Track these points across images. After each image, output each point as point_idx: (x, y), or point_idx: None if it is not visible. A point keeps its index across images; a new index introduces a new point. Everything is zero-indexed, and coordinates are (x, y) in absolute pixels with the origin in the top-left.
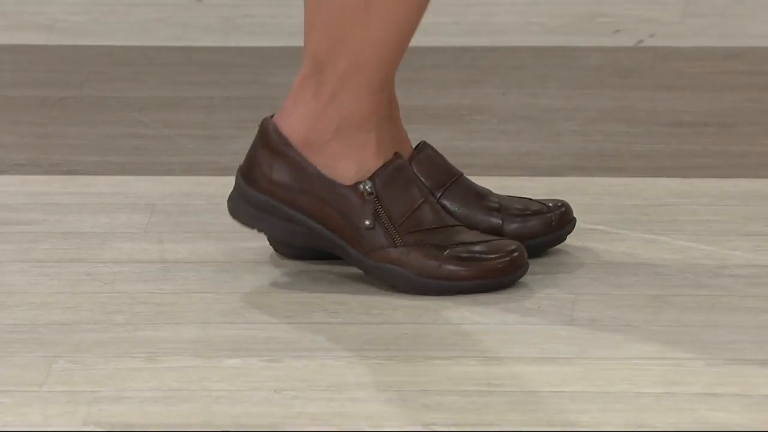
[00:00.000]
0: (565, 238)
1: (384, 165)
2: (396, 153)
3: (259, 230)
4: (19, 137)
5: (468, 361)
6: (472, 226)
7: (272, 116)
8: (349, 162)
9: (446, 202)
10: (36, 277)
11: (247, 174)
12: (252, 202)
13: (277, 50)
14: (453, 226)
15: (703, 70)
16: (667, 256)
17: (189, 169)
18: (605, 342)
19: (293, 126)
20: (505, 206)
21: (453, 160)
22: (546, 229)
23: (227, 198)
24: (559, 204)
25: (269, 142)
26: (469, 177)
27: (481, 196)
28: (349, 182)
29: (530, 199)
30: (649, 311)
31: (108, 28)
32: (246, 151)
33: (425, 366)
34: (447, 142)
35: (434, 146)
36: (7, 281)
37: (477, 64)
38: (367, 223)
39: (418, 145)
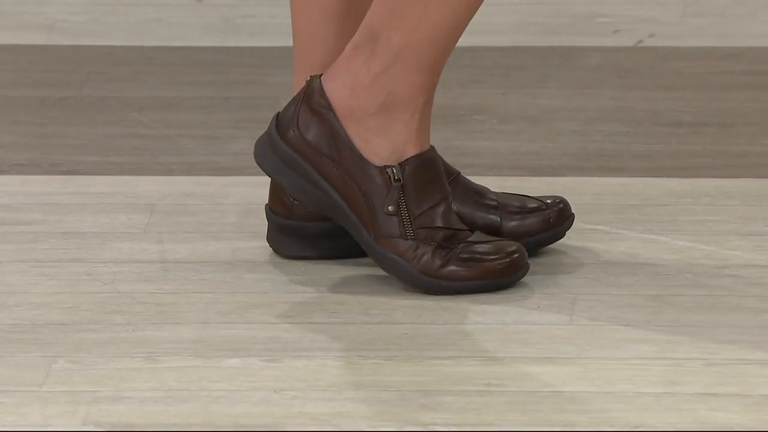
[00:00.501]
0: (564, 235)
1: (418, 154)
2: (432, 146)
3: (280, 182)
4: (19, 137)
5: (467, 361)
6: (470, 224)
7: (320, 75)
8: (386, 140)
9: None
10: (36, 277)
11: (283, 125)
12: (280, 154)
13: (277, 50)
14: (461, 230)
15: (702, 70)
16: (666, 256)
17: (189, 169)
18: (605, 342)
19: (339, 92)
20: (503, 204)
21: (453, 160)
22: (544, 226)
23: (255, 141)
24: (557, 200)
25: (311, 101)
26: (469, 177)
27: (479, 194)
28: (380, 162)
29: (528, 196)
30: (648, 311)
31: (108, 28)
32: (246, 152)
33: (425, 366)
34: (447, 142)
35: (434, 146)
36: (7, 281)
37: (477, 64)
38: (390, 209)
39: None
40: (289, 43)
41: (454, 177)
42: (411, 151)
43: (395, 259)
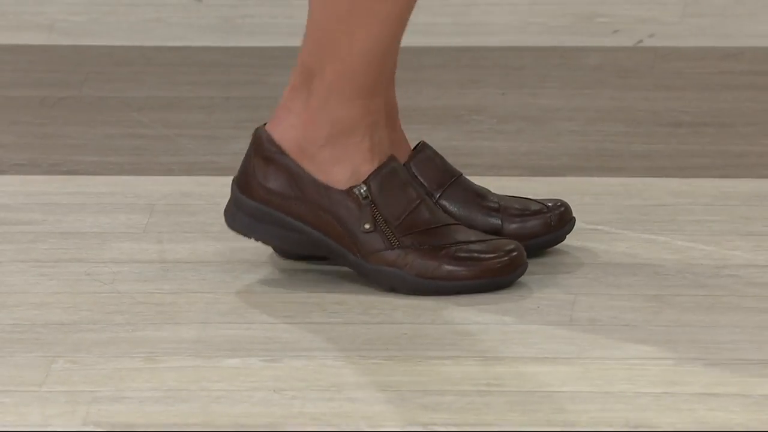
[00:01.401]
0: (564, 238)
1: (377, 168)
2: (390, 156)
3: (257, 239)
4: (19, 137)
5: (467, 361)
6: (471, 226)
7: (265, 125)
8: (342, 167)
9: (445, 203)
10: (35, 277)
11: (242, 183)
12: (248, 210)
13: (276, 50)
14: (450, 224)
15: (702, 70)
16: (666, 256)
17: (188, 169)
18: (604, 342)
19: (286, 134)
20: (504, 206)
21: (452, 160)
22: (545, 229)
23: (224, 209)
24: (558, 204)
25: (263, 150)
26: (469, 177)
27: (480, 196)
28: (343, 187)
29: (529, 198)
30: (648, 311)
31: (108, 28)
32: (245, 152)
33: (424, 366)
34: (446, 142)
35: (433, 146)
36: (6, 281)
37: (476, 64)
38: (367, 226)
39: (417, 145)
40: (289, 43)
41: (455, 179)
42: (369, 170)
43: (387, 270)
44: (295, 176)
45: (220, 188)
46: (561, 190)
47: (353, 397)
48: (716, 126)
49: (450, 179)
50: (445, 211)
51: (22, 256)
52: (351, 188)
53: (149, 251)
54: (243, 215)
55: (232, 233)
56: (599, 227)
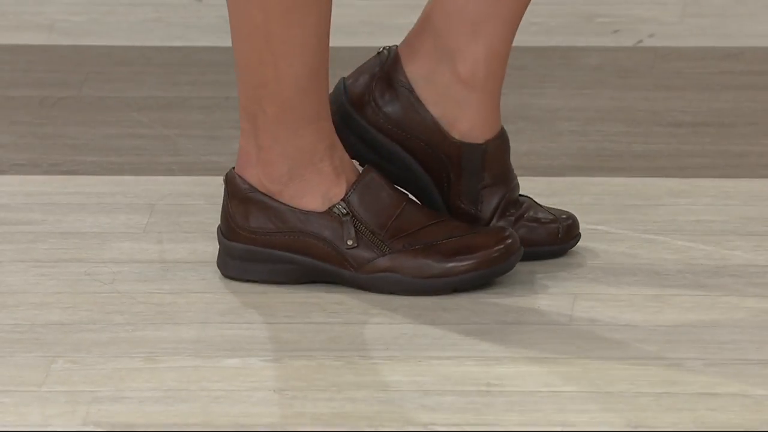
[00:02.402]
0: (566, 253)
1: (354, 182)
2: (365, 168)
3: (252, 280)
4: (18, 137)
5: (467, 361)
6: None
7: (233, 168)
8: (313, 197)
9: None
10: (35, 277)
11: (226, 230)
12: (236, 255)
13: None
14: (439, 221)
15: (702, 70)
16: (666, 256)
17: (188, 169)
18: (604, 342)
19: (254, 178)
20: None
21: None
22: (552, 240)
23: (216, 261)
24: (565, 217)
25: (237, 192)
26: None
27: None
28: (322, 209)
29: (540, 205)
30: (648, 311)
31: (107, 28)
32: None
33: (424, 366)
34: None
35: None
36: (6, 281)
37: None
38: (350, 243)
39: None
40: None
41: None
42: (338, 191)
43: (383, 276)
44: (273, 210)
45: (220, 188)
46: (561, 190)
47: (353, 397)
48: (716, 126)
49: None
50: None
51: (22, 256)
52: (330, 209)
53: (149, 251)
54: (233, 261)
55: None
56: (599, 227)
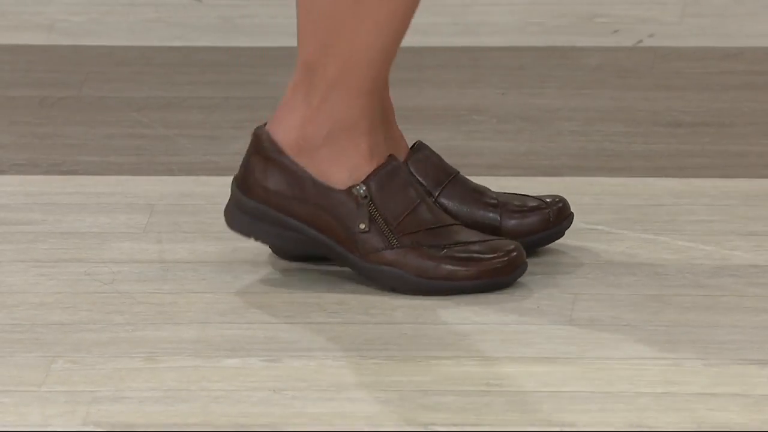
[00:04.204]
0: (563, 234)
1: (377, 168)
2: (390, 155)
3: (256, 239)
4: (18, 137)
5: (467, 361)
6: (470, 223)
7: (265, 124)
8: (341, 167)
9: (444, 200)
10: (35, 277)
11: (242, 182)
12: (247, 210)
13: (276, 50)
14: (451, 225)
15: (702, 70)
16: (666, 256)
17: (188, 169)
18: (604, 342)
19: (285, 133)
20: (502, 202)
21: (452, 160)
22: (544, 225)
23: (224, 209)
24: (557, 200)
25: (262, 150)
26: (469, 177)
27: (479, 192)
28: (342, 187)
29: (527, 195)
30: (648, 311)
31: (107, 28)
32: (245, 152)
33: (424, 366)
34: (446, 142)
35: (433, 146)
36: (6, 281)
37: (476, 64)
38: (362, 226)
39: (414, 144)
40: (289, 43)
41: (453, 176)
42: (367, 169)
43: (386, 270)
44: (295, 176)
45: (220, 188)
46: (561, 190)
47: (353, 397)
48: (716, 126)
49: (448, 177)
50: (444, 208)
51: (22, 256)
52: (350, 188)
53: (149, 251)
54: (242, 215)
55: (232, 233)
56: (599, 227)
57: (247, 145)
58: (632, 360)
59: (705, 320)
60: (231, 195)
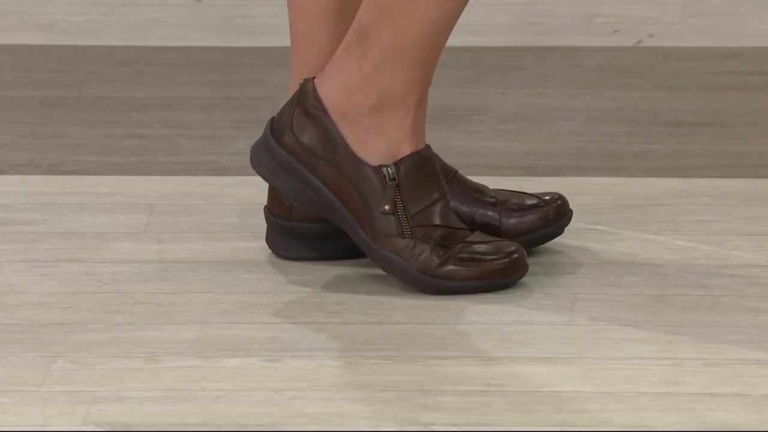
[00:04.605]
0: (563, 231)
1: (412, 153)
2: (427, 144)
3: (276, 185)
4: (18, 137)
5: (467, 361)
6: (469, 222)
7: (313, 78)
8: (381, 139)
9: None
10: (35, 277)
11: (277, 129)
12: (275, 157)
13: (277, 50)
14: (460, 229)
15: (702, 70)
16: (666, 256)
17: (188, 169)
18: (604, 342)
19: (332, 92)
20: (501, 201)
21: (452, 160)
22: (543, 223)
23: (251, 146)
24: (556, 197)
25: (305, 103)
26: (469, 177)
27: (478, 191)
28: (375, 162)
29: (526, 193)
30: (648, 311)
31: (108, 28)
32: (246, 152)
33: (424, 366)
34: (446, 142)
35: (433, 146)
36: (6, 281)
37: (476, 64)
38: (386, 208)
39: None
40: (289, 43)
41: (452, 176)
42: (405, 149)
43: (393, 258)
44: (330, 138)
45: (220, 188)
46: (561, 190)
47: (353, 397)
48: (716, 126)
49: (447, 176)
50: None
51: (22, 256)
52: (380, 166)
53: (149, 251)
54: (270, 160)
55: (232, 233)
56: (599, 227)
57: (247, 145)
58: (632, 360)
59: (705, 320)
60: (263, 135)
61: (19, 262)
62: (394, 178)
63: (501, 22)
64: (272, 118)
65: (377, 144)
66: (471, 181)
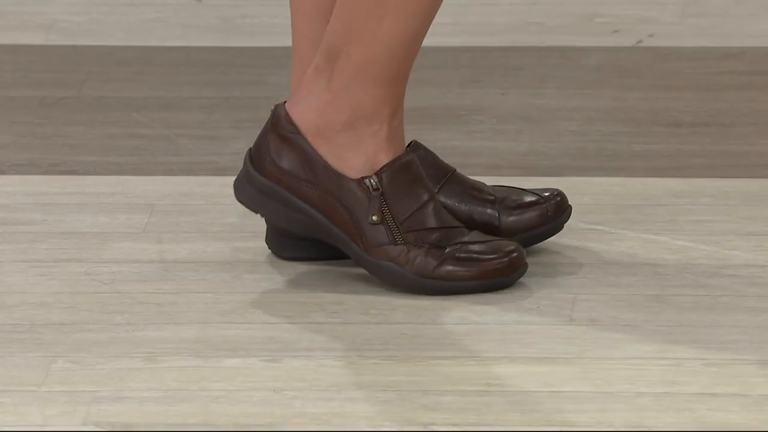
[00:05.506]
0: (563, 227)
1: (392, 160)
2: (409, 145)
3: (262, 214)
4: (18, 137)
5: (467, 361)
6: (468, 220)
7: (284, 102)
8: (357, 154)
9: (443, 198)
10: (35, 277)
11: (256, 157)
12: (257, 185)
13: (276, 50)
14: (455, 227)
15: (702, 70)
16: (666, 256)
17: (188, 169)
18: (604, 342)
19: (304, 114)
20: (500, 198)
21: (452, 160)
22: (543, 220)
23: (234, 180)
24: (555, 193)
25: (279, 128)
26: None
27: (476, 189)
28: (355, 175)
29: (525, 189)
30: (648, 311)
31: (107, 28)
32: (245, 152)
33: (424, 366)
34: (446, 142)
35: (433, 146)
36: (6, 281)
37: (476, 64)
38: (374, 218)
39: (409, 144)
40: (289, 43)
41: (450, 174)
42: (383, 159)
43: (388, 266)
44: (309, 158)
45: (220, 188)
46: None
47: (353, 397)
48: (716, 126)
49: (445, 175)
50: (443, 206)
51: (22, 256)
52: (362, 178)
53: (149, 251)
54: (252, 189)
55: (232, 233)
56: (599, 227)
57: (247, 145)
58: (632, 360)
59: (705, 320)
60: (243, 167)
61: (19, 262)
62: (378, 188)
63: (501, 22)
64: (250, 149)
65: (355, 158)
66: (469, 179)
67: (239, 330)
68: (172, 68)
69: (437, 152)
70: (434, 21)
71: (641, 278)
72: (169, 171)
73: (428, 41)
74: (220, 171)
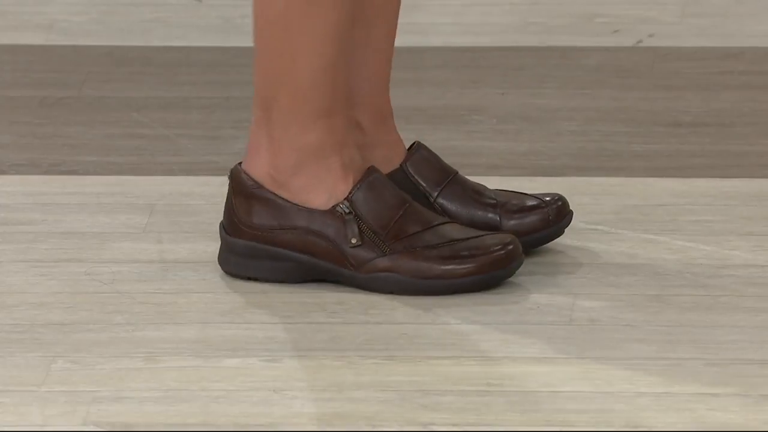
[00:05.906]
0: (563, 232)
1: (359, 182)
2: (369, 168)
3: (251, 277)
4: (18, 137)
5: (467, 361)
6: (470, 224)
7: (240, 163)
8: (318, 192)
9: (443, 201)
10: (35, 277)
11: (228, 225)
12: (238, 251)
13: None
14: (442, 224)
15: (702, 70)
16: (666, 256)
17: (188, 169)
18: (604, 342)
19: (258, 169)
20: (502, 202)
21: (452, 160)
22: (544, 224)
23: (217, 256)
24: (556, 198)
25: (242, 188)
26: (469, 177)
27: (478, 192)
28: (326, 207)
29: (526, 194)
30: (648, 311)
31: (108, 28)
32: (245, 152)
33: (424, 366)
34: (446, 142)
35: (433, 146)
36: (6, 281)
37: (476, 64)
38: (354, 241)
39: (412, 145)
40: None
41: (452, 177)
42: (345, 189)
43: (382, 276)
44: (277, 206)
45: (220, 188)
46: (561, 190)
47: (353, 397)
48: (716, 126)
49: (447, 178)
50: (443, 209)
51: (22, 256)
52: (334, 207)
53: (149, 251)
54: (234, 257)
55: None
56: (599, 227)
57: (247, 145)
58: (632, 360)
59: (705, 320)
60: (221, 240)
61: (19, 262)
62: (351, 212)
63: (501, 22)
64: (220, 223)
65: (318, 196)
66: (471, 182)
67: (239, 330)
68: (172, 68)
69: (438, 152)
70: (434, 21)
71: (641, 278)
72: (169, 171)
73: (428, 41)
74: (220, 171)
